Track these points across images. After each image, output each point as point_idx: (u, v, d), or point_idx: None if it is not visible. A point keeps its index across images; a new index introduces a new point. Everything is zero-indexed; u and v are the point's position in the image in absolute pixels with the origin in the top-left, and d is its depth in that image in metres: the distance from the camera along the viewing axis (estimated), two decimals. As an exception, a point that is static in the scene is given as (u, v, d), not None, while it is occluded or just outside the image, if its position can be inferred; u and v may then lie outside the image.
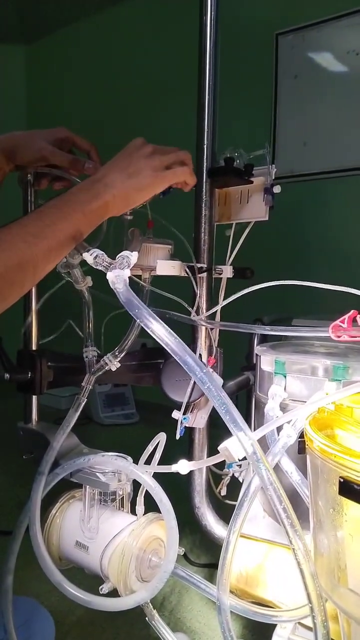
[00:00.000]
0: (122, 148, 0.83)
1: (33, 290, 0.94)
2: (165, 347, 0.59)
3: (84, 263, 0.76)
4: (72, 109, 3.49)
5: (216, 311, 0.96)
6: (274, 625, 0.75)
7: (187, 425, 0.91)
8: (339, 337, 0.66)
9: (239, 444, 0.54)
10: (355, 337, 0.65)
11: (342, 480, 0.45)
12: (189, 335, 0.97)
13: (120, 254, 0.70)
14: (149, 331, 0.60)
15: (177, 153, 0.82)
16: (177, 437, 0.87)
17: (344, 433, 0.56)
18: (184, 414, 0.86)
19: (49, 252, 0.66)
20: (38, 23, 3.63)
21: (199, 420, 0.94)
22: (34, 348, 0.94)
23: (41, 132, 0.90)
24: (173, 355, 0.58)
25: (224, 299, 0.96)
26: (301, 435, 0.66)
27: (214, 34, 0.97)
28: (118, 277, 0.65)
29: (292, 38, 2.70)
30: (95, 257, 0.70)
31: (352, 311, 0.66)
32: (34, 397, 0.95)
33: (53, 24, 3.61)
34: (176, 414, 0.86)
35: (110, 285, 0.65)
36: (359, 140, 2.50)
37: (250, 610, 0.68)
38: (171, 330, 0.59)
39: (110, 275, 0.65)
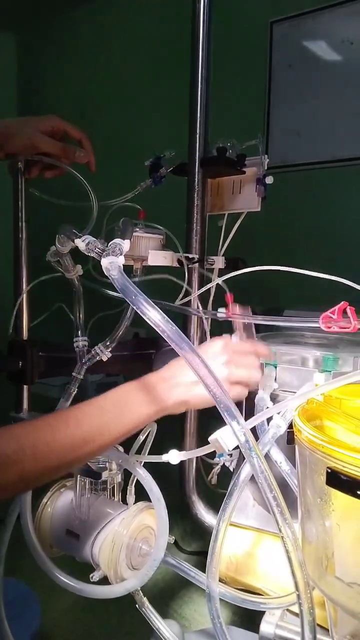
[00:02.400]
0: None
1: (24, 281, 0.94)
2: (162, 335, 0.58)
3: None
4: (64, 98, 3.45)
5: (208, 302, 0.96)
6: (263, 612, 0.76)
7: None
8: (329, 327, 0.66)
9: (230, 433, 0.55)
10: (345, 328, 0.65)
11: (329, 470, 0.46)
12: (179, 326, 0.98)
13: (112, 241, 0.69)
14: (145, 318, 0.59)
15: (250, 372, 0.75)
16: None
17: (332, 424, 0.57)
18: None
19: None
20: (29, 10, 3.57)
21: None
22: (24, 338, 0.94)
23: (32, 120, 0.89)
24: (170, 343, 0.57)
25: (215, 290, 0.97)
26: (290, 426, 0.67)
27: (207, 22, 0.96)
28: (112, 264, 0.64)
29: (286, 26, 2.68)
30: (88, 244, 0.70)
31: (342, 302, 0.66)
32: (25, 387, 0.95)
33: (45, 11, 3.56)
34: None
35: (105, 272, 0.64)
36: (353, 131, 2.50)
37: (239, 597, 0.69)
38: (168, 318, 0.59)
39: (104, 262, 0.65)
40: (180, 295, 0.94)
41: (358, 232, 2.39)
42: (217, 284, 0.95)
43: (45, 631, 0.98)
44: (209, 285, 0.86)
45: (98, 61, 3.42)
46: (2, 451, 0.55)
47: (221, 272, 1.02)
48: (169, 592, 1.58)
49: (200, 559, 1.70)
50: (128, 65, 3.26)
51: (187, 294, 0.95)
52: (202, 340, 1.00)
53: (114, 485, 0.83)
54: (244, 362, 0.75)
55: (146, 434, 0.78)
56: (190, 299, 0.95)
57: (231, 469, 1.02)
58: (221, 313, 0.85)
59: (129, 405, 0.68)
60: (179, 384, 0.71)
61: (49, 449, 0.59)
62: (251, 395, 0.80)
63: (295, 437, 0.54)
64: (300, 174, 2.60)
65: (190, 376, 0.70)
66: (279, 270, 0.73)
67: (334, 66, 2.63)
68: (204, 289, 0.89)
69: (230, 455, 1.02)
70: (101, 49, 3.40)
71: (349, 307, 0.66)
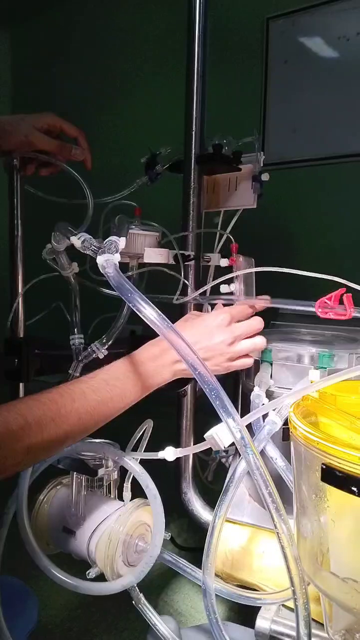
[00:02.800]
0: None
1: (19, 278, 0.94)
2: (158, 332, 0.58)
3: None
4: (60, 95, 3.44)
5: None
6: (259, 608, 0.76)
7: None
8: (325, 313, 0.67)
9: (226, 430, 0.55)
10: (341, 315, 0.65)
11: (324, 467, 0.46)
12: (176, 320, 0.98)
13: (108, 238, 0.69)
14: (141, 316, 0.59)
15: (254, 342, 0.78)
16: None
17: (327, 420, 0.57)
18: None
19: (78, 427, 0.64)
20: (23, 5, 3.55)
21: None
22: (21, 336, 0.94)
23: (28, 117, 0.89)
24: (166, 339, 0.58)
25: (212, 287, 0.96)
26: (286, 423, 0.67)
27: (203, 18, 0.95)
28: (108, 262, 0.64)
29: (282, 22, 2.67)
30: (83, 241, 0.70)
31: (339, 289, 0.66)
32: (22, 385, 0.95)
33: (39, 6, 3.53)
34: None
35: (100, 269, 0.64)
36: (350, 127, 2.50)
37: (235, 593, 0.69)
38: (164, 315, 0.59)
39: (100, 260, 0.65)
40: (178, 292, 0.94)
41: (355, 229, 2.39)
42: (215, 279, 0.95)
43: (42, 628, 0.98)
44: (206, 287, 0.86)
45: (93, 58, 3.41)
46: (8, 427, 0.56)
47: (217, 269, 1.02)
48: (165, 588, 1.59)
49: (197, 555, 1.70)
50: (123, 62, 3.24)
51: (185, 289, 0.95)
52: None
53: (110, 482, 0.83)
54: (248, 330, 0.77)
55: (142, 430, 0.78)
56: (187, 290, 0.95)
57: (227, 466, 1.02)
58: (224, 262, 0.89)
59: (133, 378, 0.69)
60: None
61: (55, 424, 0.60)
62: (246, 392, 0.80)
63: (290, 433, 0.54)
64: (297, 170, 2.60)
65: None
66: (275, 270, 0.73)
67: (330, 62, 2.63)
68: (201, 290, 0.89)
69: (226, 452, 1.02)
70: (96, 46, 3.39)
71: (345, 294, 0.66)
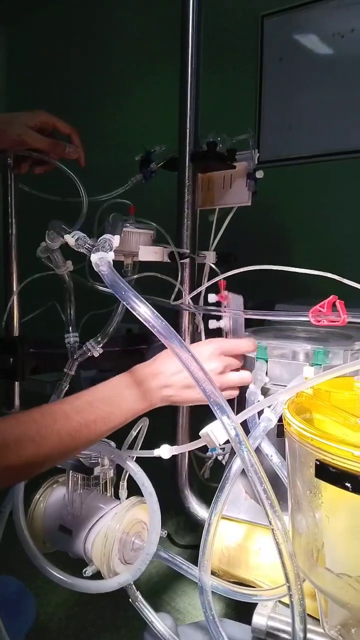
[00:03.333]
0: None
1: (14, 277, 0.94)
2: (152, 330, 0.58)
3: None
4: (54, 93, 3.43)
5: (199, 297, 0.96)
6: (255, 604, 0.76)
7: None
8: (318, 321, 0.67)
9: (221, 428, 0.55)
10: (334, 321, 0.65)
11: (318, 463, 0.46)
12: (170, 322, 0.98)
13: (102, 236, 0.69)
14: (135, 314, 0.58)
15: (241, 375, 0.78)
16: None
17: (321, 417, 0.57)
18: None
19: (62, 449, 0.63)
20: (20, 3, 3.53)
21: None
22: (15, 334, 0.94)
23: (21, 115, 0.88)
24: (160, 338, 0.57)
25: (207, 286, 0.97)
26: (281, 419, 0.67)
27: (197, 15, 0.95)
28: (102, 260, 0.64)
29: (277, 19, 2.67)
30: (77, 240, 0.70)
31: (331, 296, 0.66)
32: (17, 383, 0.95)
33: (36, 5, 3.52)
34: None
35: (94, 267, 0.64)
36: (345, 124, 2.50)
37: (231, 590, 0.70)
38: (158, 313, 0.59)
39: (94, 258, 0.64)
40: (173, 295, 0.94)
41: (349, 226, 2.39)
42: (209, 280, 0.95)
43: (39, 626, 0.98)
44: (202, 288, 0.86)
45: (87, 56, 3.40)
46: None
47: (212, 269, 1.02)
48: (162, 585, 1.59)
49: (193, 552, 1.71)
50: (117, 60, 3.24)
51: (180, 292, 0.95)
52: (194, 336, 1.00)
53: (107, 481, 0.83)
54: (236, 364, 0.78)
55: (138, 429, 0.78)
56: (182, 294, 0.95)
57: (223, 463, 1.03)
58: (212, 298, 0.86)
59: (118, 401, 0.68)
60: (169, 384, 0.71)
61: (35, 445, 0.58)
62: (242, 389, 0.80)
63: (285, 430, 0.54)
64: (291, 168, 2.60)
65: (180, 374, 0.71)
66: (270, 268, 0.73)
67: (325, 59, 2.63)
68: (196, 291, 0.89)
69: (223, 449, 1.03)
70: (91, 44, 3.38)
71: (338, 300, 0.66)
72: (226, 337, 0.88)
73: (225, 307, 0.86)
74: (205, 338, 0.99)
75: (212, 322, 0.87)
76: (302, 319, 0.68)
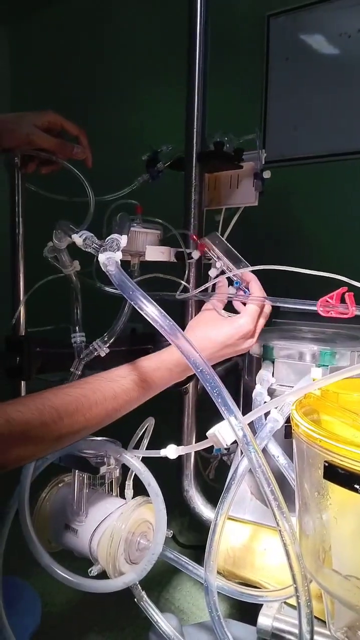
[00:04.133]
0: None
1: (21, 276, 0.94)
2: (160, 330, 0.58)
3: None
4: (60, 93, 3.44)
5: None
6: (261, 605, 0.76)
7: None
8: (327, 312, 0.66)
9: (228, 428, 0.55)
10: (343, 313, 0.65)
11: (327, 464, 0.46)
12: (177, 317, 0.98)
13: (109, 236, 0.69)
14: (143, 314, 0.58)
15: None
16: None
17: (329, 418, 0.57)
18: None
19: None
20: (23, 2, 3.54)
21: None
22: (22, 334, 0.94)
23: (29, 115, 0.88)
24: (167, 338, 0.57)
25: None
26: (288, 420, 0.67)
27: (204, 15, 0.95)
28: (110, 259, 0.64)
29: (283, 19, 2.66)
30: (85, 239, 0.70)
31: (341, 287, 0.66)
32: (23, 383, 0.95)
33: (40, 3, 3.52)
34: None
35: (102, 267, 0.64)
36: (352, 124, 2.49)
37: (237, 590, 0.69)
38: (165, 313, 0.58)
39: (101, 258, 0.64)
40: (180, 289, 0.94)
41: (356, 226, 2.39)
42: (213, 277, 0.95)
43: (44, 625, 0.99)
44: (208, 284, 0.86)
45: (94, 55, 3.40)
46: (43, 420, 0.58)
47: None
48: (167, 586, 1.59)
49: (199, 552, 1.71)
50: (124, 60, 3.24)
51: (186, 289, 0.95)
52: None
53: (112, 480, 0.83)
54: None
55: (144, 428, 0.78)
56: (189, 290, 0.95)
57: (229, 463, 1.02)
58: (212, 272, 0.87)
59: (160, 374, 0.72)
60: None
61: (85, 419, 0.63)
62: (248, 389, 0.80)
63: (292, 431, 0.54)
64: (298, 168, 2.59)
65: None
66: (277, 268, 0.73)
67: (331, 59, 2.62)
68: (202, 287, 0.89)
69: (228, 449, 1.02)
70: (97, 43, 3.38)
71: (347, 293, 0.65)
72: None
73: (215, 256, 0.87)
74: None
75: (212, 270, 0.87)
76: (311, 308, 0.68)
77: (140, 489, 0.77)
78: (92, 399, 0.64)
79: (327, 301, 0.66)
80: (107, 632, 1.42)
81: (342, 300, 0.66)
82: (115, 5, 3.22)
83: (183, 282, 0.93)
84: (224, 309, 0.82)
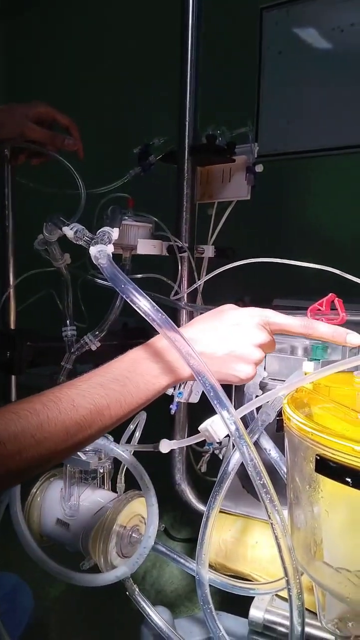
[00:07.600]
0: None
1: (11, 269, 0.93)
2: (152, 323, 0.57)
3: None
4: (52, 85, 3.40)
5: (197, 291, 0.96)
6: (252, 597, 0.77)
7: (180, 401, 0.86)
8: (318, 320, 0.66)
9: (221, 422, 0.55)
10: (333, 320, 0.65)
11: (318, 457, 0.46)
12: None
13: (100, 229, 0.68)
14: (135, 307, 0.57)
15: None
16: (172, 412, 0.87)
17: (321, 412, 0.57)
18: (178, 389, 0.84)
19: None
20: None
21: (193, 396, 0.93)
22: (12, 328, 0.93)
23: (20, 107, 0.87)
24: (159, 331, 0.56)
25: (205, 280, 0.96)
26: (279, 414, 0.67)
27: (196, 8, 0.95)
28: (101, 252, 0.63)
29: (276, 13, 2.65)
30: (76, 232, 0.69)
31: (329, 294, 0.66)
32: (13, 377, 0.95)
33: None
34: (170, 389, 0.83)
35: (93, 260, 0.63)
36: (345, 119, 2.48)
37: (228, 583, 0.70)
38: (157, 306, 0.57)
39: (92, 251, 0.63)
40: (172, 292, 0.94)
41: (347, 221, 2.39)
42: (207, 274, 0.95)
43: (36, 620, 0.98)
44: (200, 282, 0.86)
45: (86, 48, 3.37)
46: None
47: (211, 261, 1.01)
48: (159, 579, 1.60)
49: (191, 546, 1.71)
50: (116, 52, 3.21)
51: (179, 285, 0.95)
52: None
53: (104, 474, 0.83)
54: (273, 345, 0.64)
55: (136, 423, 0.78)
56: (180, 289, 0.95)
57: (220, 457, 1.03)
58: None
59: (136, 379, 0.56)
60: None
61: (35, 441, 0.49)
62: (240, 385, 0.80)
63: (284, 425, 0.54)
64: (291, 162, 2.58)
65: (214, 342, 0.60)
66: (269, 261, 0.73)
67: (324, 53, 2.61)
68: (194, 286, 0.89)
69: (220, 443, 1.02)
70: (90, 36, 3.35)
71: (336, 299, 0.65)
72: None
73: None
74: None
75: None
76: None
77: (132, 483, 0.77)
78: (43, 415, 0.50)
79: (319, 309, 0.66)
80: (100, 625, 1.42)
81: (333, 307, 0.66)
82: (110, 1, 3.19)
83: (175, 285, 0.93)
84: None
